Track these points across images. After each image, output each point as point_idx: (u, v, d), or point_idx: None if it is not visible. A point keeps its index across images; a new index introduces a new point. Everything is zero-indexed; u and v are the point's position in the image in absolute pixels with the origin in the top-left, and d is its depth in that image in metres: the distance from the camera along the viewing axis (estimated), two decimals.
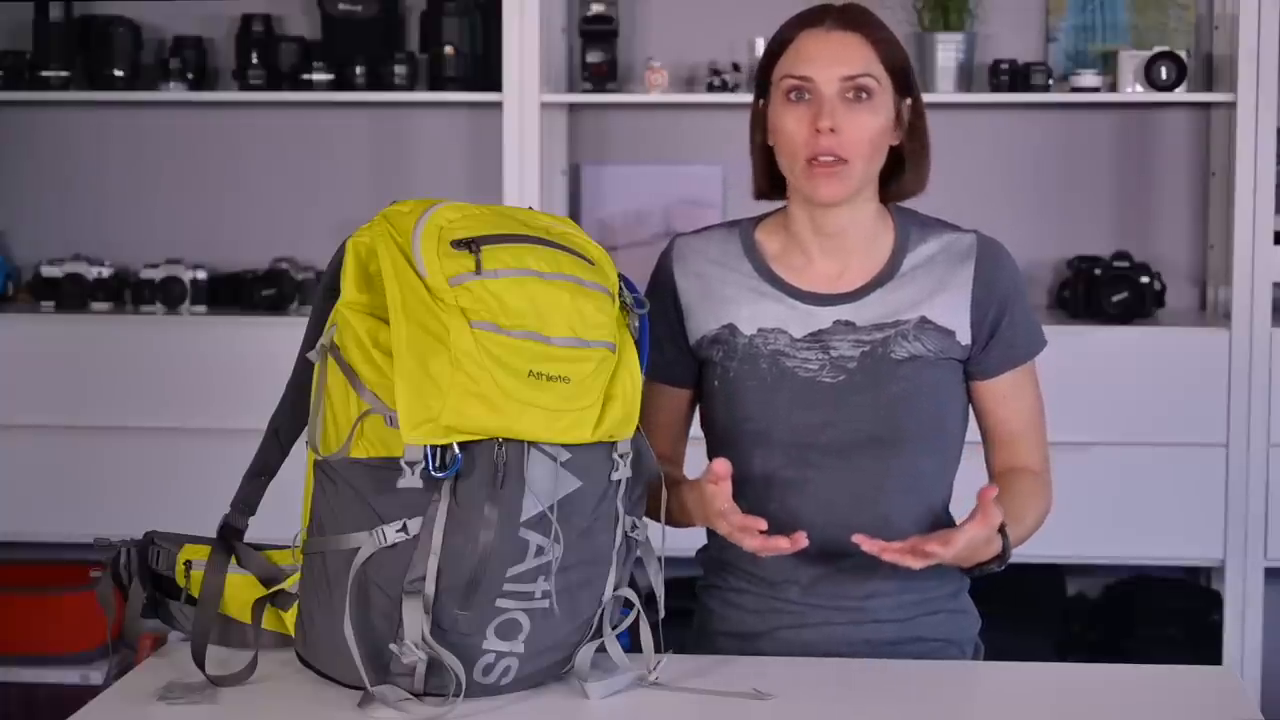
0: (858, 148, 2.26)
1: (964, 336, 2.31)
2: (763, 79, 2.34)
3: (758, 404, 2.30)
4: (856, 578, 2.30)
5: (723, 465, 2.16)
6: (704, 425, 2.40)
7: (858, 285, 2.32)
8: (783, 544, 2.11)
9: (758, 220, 2.40)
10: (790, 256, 2.35)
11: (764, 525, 2.12)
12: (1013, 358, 2.34)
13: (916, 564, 2.12)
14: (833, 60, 2.26)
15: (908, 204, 2.40)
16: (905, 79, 2.32)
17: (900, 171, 2.35)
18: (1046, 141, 4.37)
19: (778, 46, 2.31)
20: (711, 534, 2.39)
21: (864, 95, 2.27)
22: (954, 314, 2.31)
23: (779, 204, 2.40)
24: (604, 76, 4.21)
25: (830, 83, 2.26)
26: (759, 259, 2.36)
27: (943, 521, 2.33)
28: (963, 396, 2.35)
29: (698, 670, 2.15)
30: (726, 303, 2.34)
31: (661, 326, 2.33)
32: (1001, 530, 2.20)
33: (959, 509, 2.36)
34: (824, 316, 2.31)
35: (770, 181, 2.37)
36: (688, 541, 2.38)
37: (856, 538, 2.13)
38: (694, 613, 2.43)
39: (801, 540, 2.11)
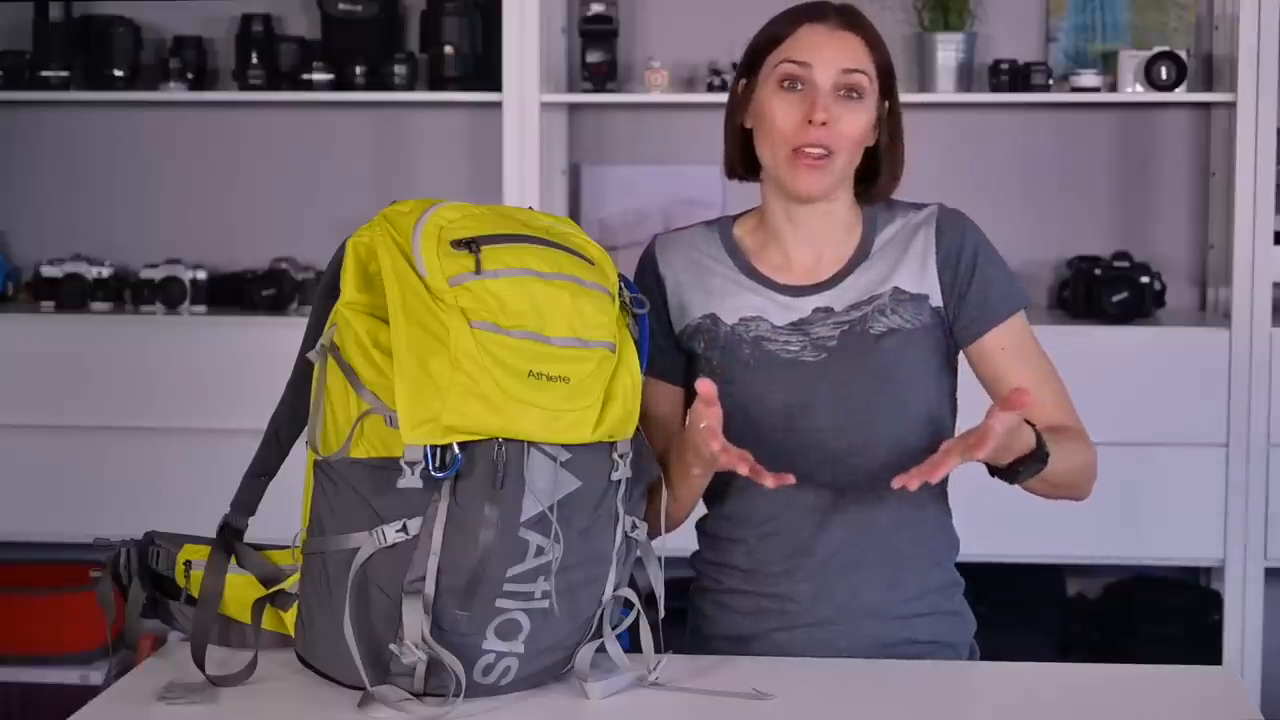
0: (844, 143, 2.28)
1: (935, 299, 2.32)
2: (751, 63, 2.34)
3: (743, 389, 2.31)
4: (849, 577, 2.30)
5: (708, 385, 2.10)
6: None
7: (833, 273, 2.34)
8: (766, 479, 2.08)
9: (735, 218, 2.42)
10: (768, 253, 2.37)
11: (750, 458, 2.09)
12: (990, 315, 2.32)
13: (952, 465, 2.06)
14: (835, 53, 2.29)
15: None
16: (889, 81, 2.34)
17: (874, 171, 2.36)
18: (1046, 141, 4.37)
19: (776, 35, 2.33)
20: (704, 536, 2.40)
21: (855, 94, 2.29)
22: (923, 278, 2.32)
23: (753, 192, 2.40)
24: (604, 76, 4.21)
25: (828, 75, 2.28)
26: (739, 254, 2.37)
27: (936, 497, 2.33)
28: (949, 371, 2.35)
29: (698, 670, 2.15)
30: (709, 294, 2.36)
31: (650, 319, 2.33)
32: (1035, 432, 2.15)
33: (956, 494, 2.36)
34: (803, 306, 2.33)
35: (744, 164, 2.39)
36: (685, 542, 2.38)
37: (896, 481, 2.05)
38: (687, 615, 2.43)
39: (787, 479, 2.09)
